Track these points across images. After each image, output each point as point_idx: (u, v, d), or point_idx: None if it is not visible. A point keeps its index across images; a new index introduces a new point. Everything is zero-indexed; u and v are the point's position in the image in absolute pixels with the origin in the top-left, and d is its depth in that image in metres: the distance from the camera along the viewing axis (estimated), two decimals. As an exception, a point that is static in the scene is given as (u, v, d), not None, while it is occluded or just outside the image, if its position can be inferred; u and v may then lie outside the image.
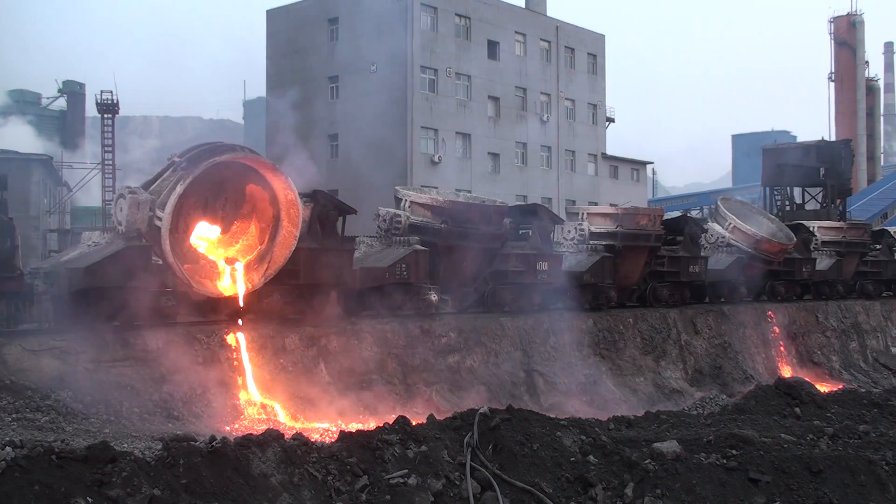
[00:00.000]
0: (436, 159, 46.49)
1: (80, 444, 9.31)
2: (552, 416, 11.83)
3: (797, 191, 52.39)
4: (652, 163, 70.04)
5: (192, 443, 8.86)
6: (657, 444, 10.83)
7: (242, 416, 14.96)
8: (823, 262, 33.06)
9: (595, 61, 58.27)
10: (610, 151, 59.29)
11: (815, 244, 33.15)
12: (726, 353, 25.81)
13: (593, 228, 25.05)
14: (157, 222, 15.18)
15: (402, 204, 21.39)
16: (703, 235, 28.59)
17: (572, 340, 21.90)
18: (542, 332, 21.43)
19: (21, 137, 47.77)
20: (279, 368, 16.34)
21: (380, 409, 16.27)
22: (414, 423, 10.64)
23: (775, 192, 50.82)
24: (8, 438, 8.43)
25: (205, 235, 17.00)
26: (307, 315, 18.14)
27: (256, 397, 15.58)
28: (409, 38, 45.78)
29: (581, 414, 16.13)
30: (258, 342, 16.32)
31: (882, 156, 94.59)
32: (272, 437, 9.36)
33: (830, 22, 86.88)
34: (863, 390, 20.15)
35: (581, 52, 56.78)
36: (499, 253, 22.14)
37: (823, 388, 21.96)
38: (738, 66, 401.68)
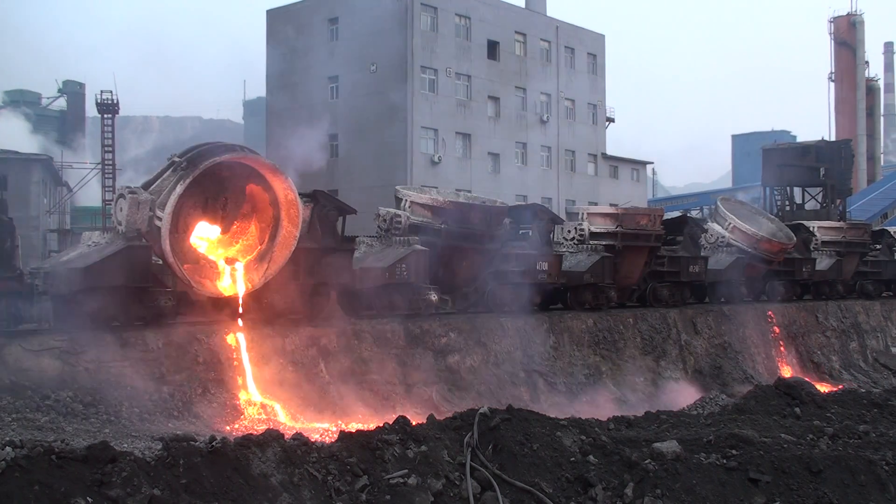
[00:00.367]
0: (436, 159, 46.50)
1: (80, 444, 9.31)
2: (552, 416, 11.82)
3: (797, 191, 52.42)
4: (652, 163, 70.12)
5: (192, 443, 8.86)
6: (657, 444, 10.82)
7: (242, 416, 14.96)
8: (823, 262, 33.06)
9: (595, 61, 58.28)
10: (610, 151, 59.30)
11: (815, 244, 33.15)
12: (726, 353, 25.81)
13: (593, 228, 25.05)
14: (157, 222, 15.19)
15: (402, 204, 21.39)
16: (703, 235, 28.59)
17: (572, 340, 21.91)
18: (542, 332, 21.43)
19: (20, 137, 47.81)
20: (279, 368, 16.34)
21: (380, 409, 16.27)
22: (414, 423, 10.64)
23: (775, 192, 50.84)
24: (8, 438, 8.43)
25: (205, 235, 17.01)
26: (307, 315, 18.14)
27: (256, 397, 15.58)
28: (409, 38, 45.79)
29: (581, 414, 16.13)
30: (258, 342, 16.32)
31: (882, 156, 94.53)
32: (272, 437, 9.35)
33: (830, 22, 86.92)
34: (863, 390, 20.13)
35: (581, 52, 56.79)
36: (499, 253, 22.15)
37: (823, 388, 21.95)
38: (738, 66, 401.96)
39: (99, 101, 39.78)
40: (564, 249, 24.69)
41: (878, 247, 36.67)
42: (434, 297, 20.34)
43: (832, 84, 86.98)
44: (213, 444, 8.83)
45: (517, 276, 22.31)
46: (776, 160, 50.01)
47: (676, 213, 36.23)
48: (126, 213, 15.25)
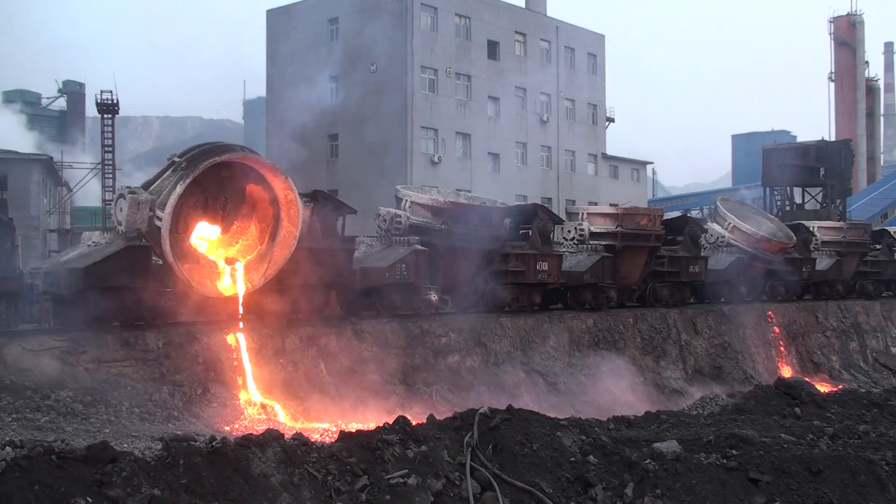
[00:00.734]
0: (436, 159, 46.48)
1: (80, 444, 9.31)
2: (552, 416, 11.82)
3: (797, 191, 52.42)
4: (652, 163, 70.11)
5: (192, 443, 8.86)
6: (657, 444, 10.82)
7: (242, 416, 14.96)
8: (823, 262, 33.07)
9: (595, 61, 58.26)
10: (610, 151, 59.28)
11: (815, 244, 33.15)
12: (726, 353, 25.81)
13: (593, 228, 25.05)
14: (157, 222, 15.18)
15: (402, 204, 21.39)
16: (703, 235, 28.60)
17: (572, 340, 21.91)
18: (542, 331, 21.43)
19: (20, 137, 47.81)
20: (279, 368, 16.34)
21: (380, 408, 16.26)
22: (414, 423, 10.64)
23: (775, 192, 50.84)
24: (8, 438, 8.43)
25: (205, 235, 17.00)
26: (307, 315, 18.14)
27: (256, 397, 15.58)
28: (409, 38, 45.78)
29: (581, 414, 16.13)
30: (258, 342, 16.32)
31: (882, 156, 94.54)
32: (272, 437, 9.36)
33: (830, 22, 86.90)
34: (863, 390, 20.14)
35: (581, 52, 56.76)
36: (499, 253, 22.15)
37: (823, 388, 21.96)
38: (738, 65, 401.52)
39: (99, 101, 39.74)
40: (564, 249, 24.69)
41: (878, 247, 36.67)
42: (434, 297, 20.34)
43: (832, 84, 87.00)
44: (213, 444, 8.83)
45: (518, 276, 22.34)
46: (776, 160, 50.00)
47: (676, 213, 36.24)
48: (126, 213, 15.25)
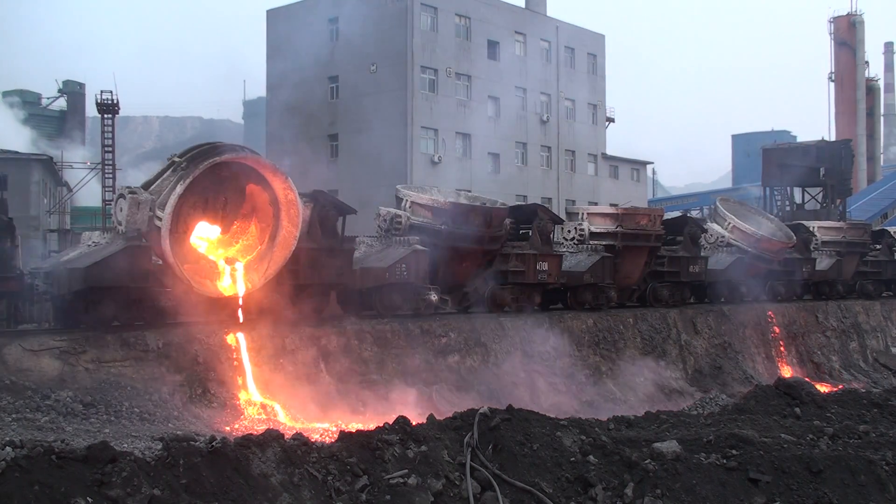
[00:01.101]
0: (436, 159, 46.48)
1: (80, 444, 9.31)
2: (552, 416, 11.82)
3: (797, 191, 52.43)
4: (652, 163, 70.10)
5: (192, 443, 8.85)
6: (657, 444, 10.82)
7: (242, 416, 14.96)
8: (823, 262, 33.08)
9: (595, 61, 58.27)
10: (610, 151, 59.29)
11: (815, 244, 33.16)
12: (726, 353, 25.81)
13: (593, 228, 25.05)
14: (157, 222, 15.19)
15: (402, 204, 21.38)
16: (703, 235, 28.61)
17: (572, 340, 21.90)
18: (542, 332, 21.43)
19: (19, 137, 47.80)
20: (279, 368, 16.34)
21: (380, 409, 16.27)
22: (414, 423, 10.63)
23: (775, 192, 50.86)
24: (8, 438, 8.42)
25: (205, 235, 17.01)
26: (307, 315, 18.14)
27: (256, 397, 15.59)
28: (409, 38, 45.78)
29: (581, 414, 16.13)
30: (258, 342, 16.32)
31: (882, 156, 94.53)
32: (272, 437, 9.35)
33: (830, 22, 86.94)
34: (863, 390, 20.13)
35: (581, 52, 56.76)
36: (499, 253, 22.15)
37: (823, 388, 21.95)
38: (738, 65, 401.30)
39: (99, 101, 39.70)
40: (564, 249, 24.69)
41: (878, 247, 36.69)
42: (434, 297, 20.35)
43: (832, 84, 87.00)
44: (213, 444, 8.83)
45: (517, 276, 22.33)
46: (776, 160, 50.04)
47: (676, 213, 36.24)
48: (126, 213, 15.26)
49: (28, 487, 7.38)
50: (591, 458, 10.56)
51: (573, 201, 51.05)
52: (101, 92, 39.74)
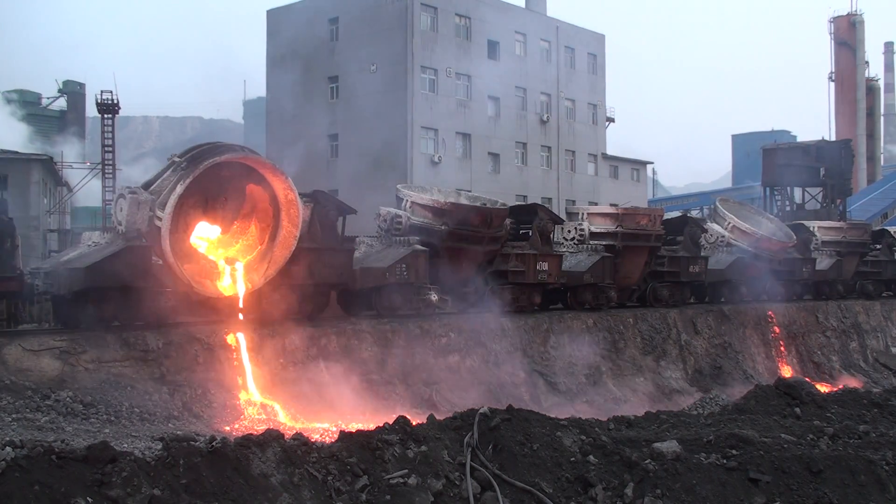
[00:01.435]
0: (436, 159, 46.47)
1: (80, 444, 9.31)
2: (552, 416, 11.81)
3: (797, 191, 52.41)
4: (652, 163, 70.07)
5: (192, 443, 8.85)
6: (657, 444, 10.81)
7: (242, 416, 14.97)
8: (823, 262, 33.08)
9: (595, 61, 58.23)
10: (610, 151, 59.25)
11: (815, 244, 33.16)
12: (726, 353, 25.81)
13: (593, 228, 25.06)
14: (157, 222, 15.19)
15: (403, 204, 21.38)
16: (703, 235, 28.62)
17: (572, 340, 21.90)
18: (542, 332, 21.43)
19: (19, 137, 47.79)
20: (279, 368, 16.34)
21: (380, 408, 16.27)
22: (414, 423, 10.63)
23: (775, 192, 50.85)
24: (8, 438, 8.42)
25: (205, 235, 17.02)
26: (307, 315, 18.14)
27: (256, 397, 15.59)
28: (409, 38, 45.77)
29: (581, 414, 16.13)
30: (258, 342, 16.32)
31: (882, 156, 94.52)
32: (272, 437, 9.35)
33: (830, 22, 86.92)
34: (863, 390, 20.13)
35: (581, 52, 56.72)
36: (499, 253, 22.15)
37: (823, 388, 21.95)
38: (738, 65, 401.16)
39: (99, 101, 39.70)
40: (564, 249, 24.70)
41: (878, 247, 36.69)
42: (434, 297, 20.36)
43: (832, 84, 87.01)
44: (213, 444, 8.83)
45: (517, 276, 22.33)
46: (776, 160, 50.02)
47: (676, 213, 36.25)
48: (126, 213, 15.26)
49: (28, 487, 7.38)
50: (591, 458, 10.56)
51: (573, 201, 51.02)
52: (102, 92, 39.76)
